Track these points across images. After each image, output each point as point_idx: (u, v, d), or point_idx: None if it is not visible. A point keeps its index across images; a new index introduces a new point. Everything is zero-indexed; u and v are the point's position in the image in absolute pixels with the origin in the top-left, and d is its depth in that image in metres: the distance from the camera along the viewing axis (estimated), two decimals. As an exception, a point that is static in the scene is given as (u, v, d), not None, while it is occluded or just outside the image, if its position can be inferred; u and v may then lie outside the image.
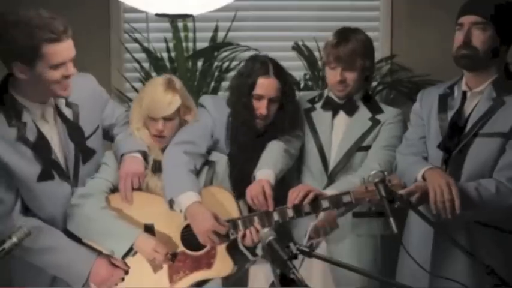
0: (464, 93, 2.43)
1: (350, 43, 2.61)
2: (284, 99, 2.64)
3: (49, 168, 2.35)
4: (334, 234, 2.60)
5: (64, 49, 2.23)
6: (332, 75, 2.66)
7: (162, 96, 2.51)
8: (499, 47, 2.35)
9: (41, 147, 2.33)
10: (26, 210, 2.37)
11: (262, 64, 2.62)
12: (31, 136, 2.31)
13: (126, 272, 2.45)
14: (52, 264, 2.39)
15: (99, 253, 2.44)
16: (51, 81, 2.25)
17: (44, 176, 2.34)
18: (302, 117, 2.76)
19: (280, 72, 2.64)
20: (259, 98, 2.60)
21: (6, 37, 2.17)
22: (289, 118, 2.66)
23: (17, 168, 2.29)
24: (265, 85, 2.59)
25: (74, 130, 2.42)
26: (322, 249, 2.66)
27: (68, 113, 2.42)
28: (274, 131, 2.65)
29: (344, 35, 2.66)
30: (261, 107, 2.60)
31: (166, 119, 2.52)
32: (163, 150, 2.59)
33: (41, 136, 2.33)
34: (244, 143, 2.64)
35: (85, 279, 2.38)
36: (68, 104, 2.42)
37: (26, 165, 2.31)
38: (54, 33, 2.19)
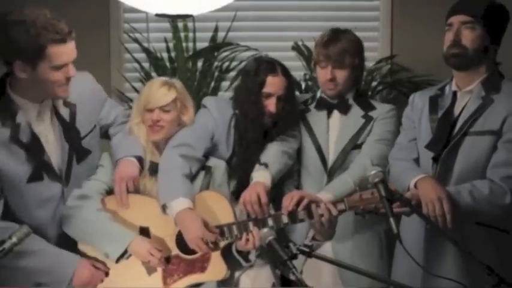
0: (454, 93, 2.45)
1: (339, 42, 2.63)
2: (289, 95, 2.66)
3: (40, 169, 2.34)
4: (338, 233, 2.60)
5: (68, 50, 2.24)
6: (322, 73, 2.67)
7: (158, 87, 2.56)
8: (489, 47, 2.36)
9: (33, 148, 2.31)
10: (5, 216, 2.31)
11: (268, 63, 2.64)
12: (24, 137, 2.30)
13: (107, 274, 2.44)
14: (34, 268, 2.33)
15: (81, 256, 2.42)
16: (51, 82, 2.25)
17: (34, 177, 2.33)
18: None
19: (286, 71, 2.67)
20: (268, 96, 2.61)
21: (10, 36, 2.16)
22: (294, 113, 2.69)
23: (8, 168, 2.28)
24: (274, 83, 2.60)
25: (69, 131, 2.41)
26: (327, 248, 2.67)
27: (65, 112, 2.41)
28: (280, 125, 2.66)
29: (333, 34, 2.67)
30: (270, 105, 2.60)
31: (163, 110, 2.54)
32: (161, 152, 2.59)
33: (34, 137, 2.32)
34: (254, 141, 2.64)
35: (68, 281, 2.36)
36: (66, 104, 2.41)
37: (17, 166, 2.29)
38: (59, 34, 2.19)
